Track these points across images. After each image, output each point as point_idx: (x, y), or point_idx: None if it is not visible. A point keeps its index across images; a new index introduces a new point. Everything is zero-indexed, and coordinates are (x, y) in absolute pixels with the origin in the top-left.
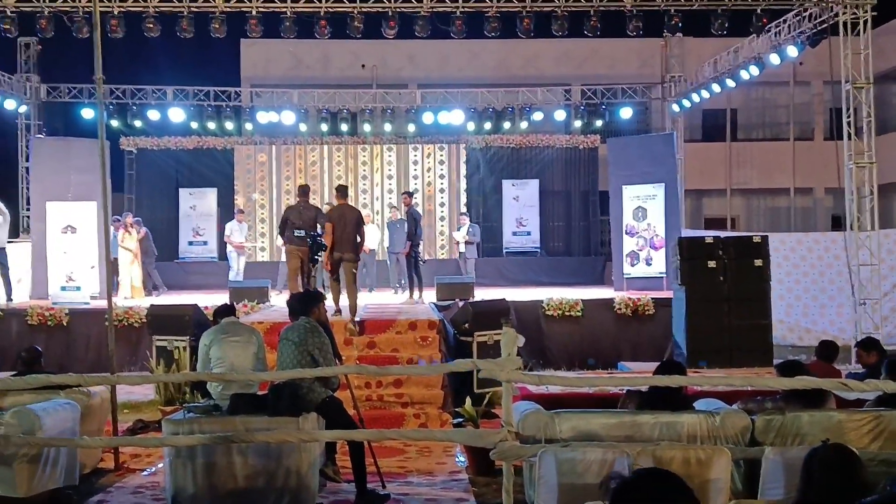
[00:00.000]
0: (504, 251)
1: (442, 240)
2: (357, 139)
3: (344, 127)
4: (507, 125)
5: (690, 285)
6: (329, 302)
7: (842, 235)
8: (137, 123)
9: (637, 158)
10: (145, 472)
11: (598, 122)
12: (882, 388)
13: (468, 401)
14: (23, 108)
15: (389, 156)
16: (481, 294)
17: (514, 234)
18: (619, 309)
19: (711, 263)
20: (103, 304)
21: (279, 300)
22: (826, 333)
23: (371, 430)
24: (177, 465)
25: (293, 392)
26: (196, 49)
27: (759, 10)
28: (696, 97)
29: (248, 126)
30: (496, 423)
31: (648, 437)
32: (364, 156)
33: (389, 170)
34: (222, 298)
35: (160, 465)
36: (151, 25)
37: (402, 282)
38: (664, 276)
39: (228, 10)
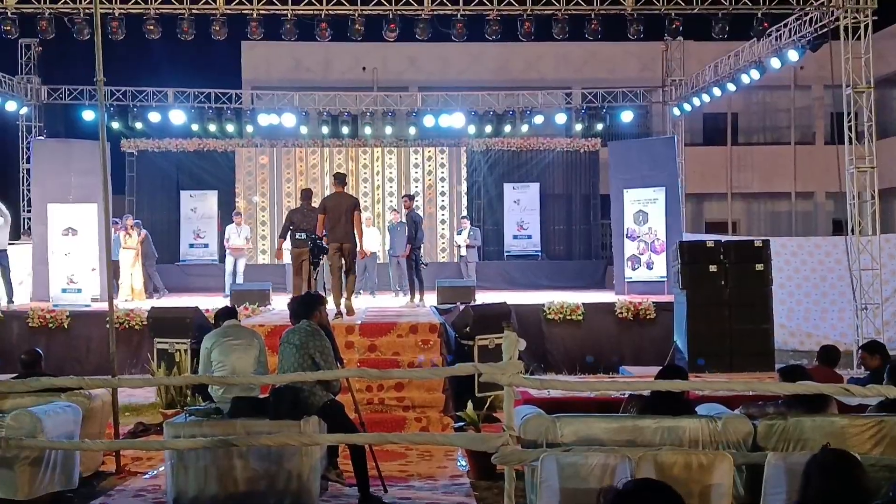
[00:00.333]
0: (505, 255)
1: (443, 243)
2: (358, 142)
3: (345, 129)
4: (507, 128)
5: (691, 289)
6: (330, 304)
7: (843, 240)
8: (138, 125)
9: (638, 162)
10: (146, 476)
11: (599, 126)
12: (884, 394)
13: (469, 405)
14: (24, 110)
15: (390, 159)
16: (482, 297)
17: (515, 237)
18: (621, 313)
19: (712, 268)
20: (104, 306)
21: (280, 303)
22: (827, 338)
23: (372, 433)
24: (178, 468)
25: (294, 395)
26: (197, 51)
27: (759, 14)
28: (696, 101)
29: (249, 128)
30: (498, 427)
31: (650, 442)
32: (365, 158)
33: (390, 173)
34: (223, 301)
35: (161, 469)
36: (152, 27)
37: (403, 285)
38: (665, 280)
39: (229, 12)
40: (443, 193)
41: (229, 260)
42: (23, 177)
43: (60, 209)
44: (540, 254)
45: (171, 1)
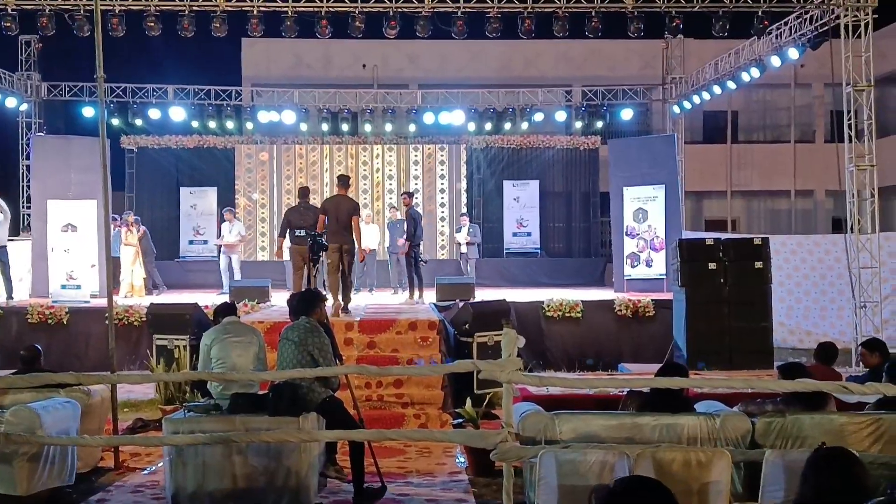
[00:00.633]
0: (504, 252)
1: (442, 240)
2: (358, 139)
3: (345, 127)
4: (507, 126)
5: (691, 287)
6: (329, 301)
7: (842, 238)
8: (138, 122)
9: (638, 160)
10: (145, 471)
11: (599, 124)
12: (882, 392)
13: (468, 401)
14: (24, 107)
15: (390, 156)
16: (482, 295)
17: (515, 234)
18: (620, 310)
19: (712, 265)
20: (103, 302)
21: (280, 299)
22: (827, 336)
23: (371, 430)
24: (177, 464)
25: (293, 392)
26: (197, 48)
27: (760, 13)
28: (696, 99)
29: (249, 125)
30: (496, 423)
31: (649, 439)
32: (365, 156)
33: (390, 170)
34: (222, 297)
35: (160, 465)
36: (152, 24)
37: (403, 282)
38: (664, 277)
39: (229, 9)
40: (442, 191)
41: (223, 257)
42: (22, 173)
43: (60, 205)
44: (539, 251)
45: None
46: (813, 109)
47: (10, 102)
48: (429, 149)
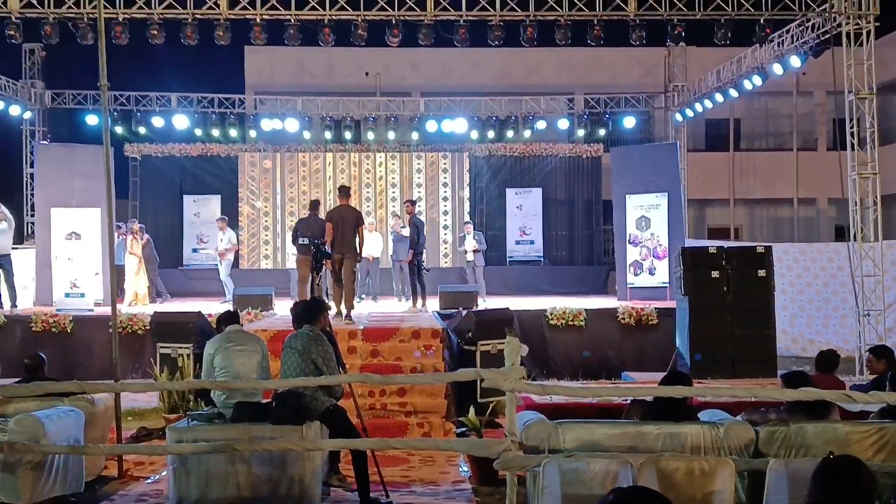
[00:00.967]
0: (507, 260)
1: (445, 248)
2: (361, 147)
3: (348, 135)
4: (510, 134)
5: (694, 295)
6: (332, 310)
7: (845, 246)
8: (142, 130)
9: (640, 168)
10: (149, 480)
11: (601, 132)
12: (886, 400)
13: (472, 410)
14: (27, 115)
15: (393, 164)
16: (485, 303)
17: (518, 242)
18: (623, 319)
19: (715, 273)
20: (107, 310)
21: (283, 308)
22: (829, 344)
23: (374, 438)
24: (180, 473)
25: (297, 401)
26: (200, 56)
27: (761, 21)
28: (699, 107)
29: (252, 133)
30: (500, 432)
31: (652, 448)
32: (367, 164)
33: (393, 178)
34: (225, 305)
35: (164, 473)
36: (156, 32)
37: (406, 290)
38: (667, 285)
39: (233, 17)
40: (445, 199)
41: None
42: (26, 181)
43: (64, 213)
44: (542, 259)
45: (175, 6)
46: (815, 117)
47: (14, 111)
48: (431, 157)
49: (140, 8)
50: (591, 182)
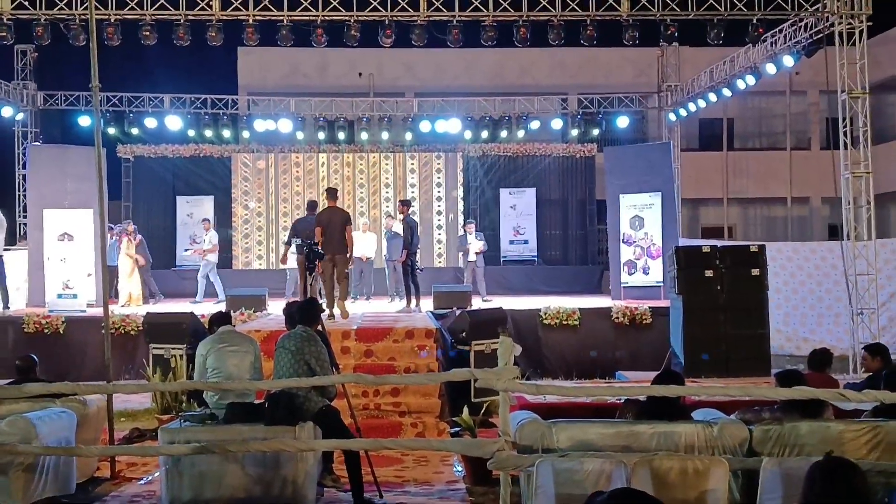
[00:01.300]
0: (501, 260)
1: (439, 248)
2: (354, 147)
3: (341, 135)
4: (503, 134)
5: (687, 294)
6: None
7: (839, 245)
8: (134, 131)
9: (634, 167)
10: (141, 481)
11: (595, 131)
12: (880, 399)
13: (465, 410)
14: (19, 116)
15: (386, 164)
16: (479, 303)
17: (512, 242)
18: (617, 318)
19: (708, 273)
20: (100, 311)
21: (276, 308)
22: (824, 343)
23: (368, 439)
24: (173, 474)
25: (290, 401)
26: (193, 57)
27: (754, 20)
28: (692, 106)
29: (245, 134)
30: (493, 432)
31: (646, 447)
32: (361, 164)
33: (386, 178)
34: (218, 306)
35: (156, 474)
36: (148, 33)
37: (400, 290)
38: (661, 285)
39: (225, 18)
40: (439, 199)
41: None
42: (19, 182)
43: (56, 215)
44: (536, 259)
45: (167, 7)
46: (808, 116)
47: (6, 112)
48: (425, 157)
49: (132, 9)
50: (585, 182)
